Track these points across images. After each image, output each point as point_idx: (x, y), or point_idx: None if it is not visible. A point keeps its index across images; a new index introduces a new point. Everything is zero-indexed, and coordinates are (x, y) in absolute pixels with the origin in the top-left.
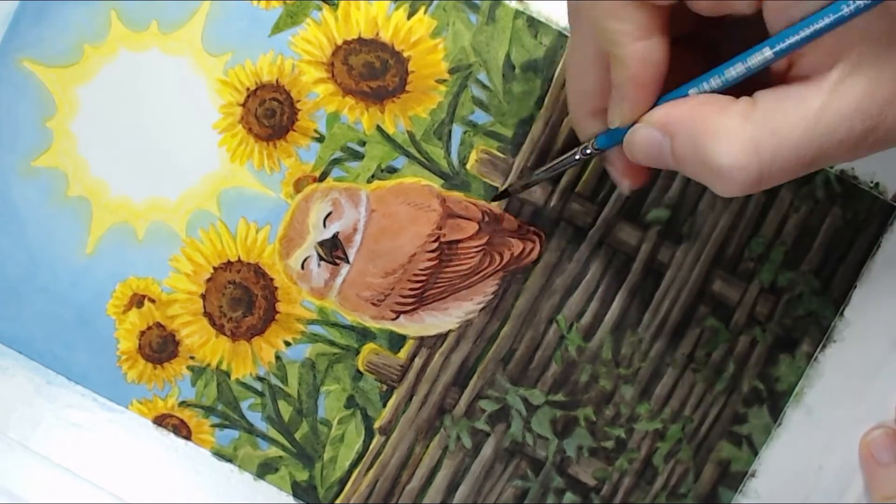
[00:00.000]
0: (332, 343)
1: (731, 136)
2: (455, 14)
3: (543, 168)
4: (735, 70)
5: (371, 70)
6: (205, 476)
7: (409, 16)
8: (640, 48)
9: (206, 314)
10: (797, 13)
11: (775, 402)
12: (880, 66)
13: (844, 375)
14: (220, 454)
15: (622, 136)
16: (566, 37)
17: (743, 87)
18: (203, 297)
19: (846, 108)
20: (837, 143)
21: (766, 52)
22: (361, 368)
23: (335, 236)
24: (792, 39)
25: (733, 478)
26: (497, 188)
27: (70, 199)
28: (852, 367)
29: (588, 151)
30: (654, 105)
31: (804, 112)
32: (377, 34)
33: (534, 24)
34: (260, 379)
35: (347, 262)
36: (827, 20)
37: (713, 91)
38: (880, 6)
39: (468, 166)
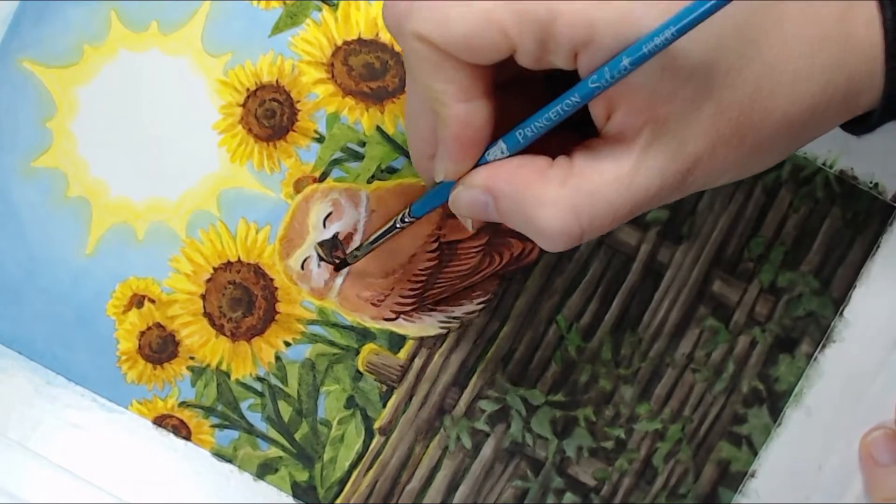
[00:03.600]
0: (331, 343)
1: (551, 205)
2: None
3: (371, 240)
4: (544, 121)
5: (371, 71)
6: (204, 476)
7: None
8: (462, 110)
9: (206, 314)
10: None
11: (775, 402)
12: (686, 126)
13: (844, 376)
14: (219, 454)
15: (446, 194)
16: None
17: (566, 127)
18: (203, 297)
19: (655, 168)
20: (650, 197)
21: (558, 109)
22: (361, 369)
23: (335, 236)
24: (574, 98)
25: (733, 478)
26: None
27: (70, 199)
28: (852, 368)
29: (406, 220)
30: (481, 158)
31: (617, 173)
32: (377, 35)
33: None
34: (260, 379)
35: (347, 262)
36: (605, 78)
37: (533, 137)
38: (684, 76)
39: None
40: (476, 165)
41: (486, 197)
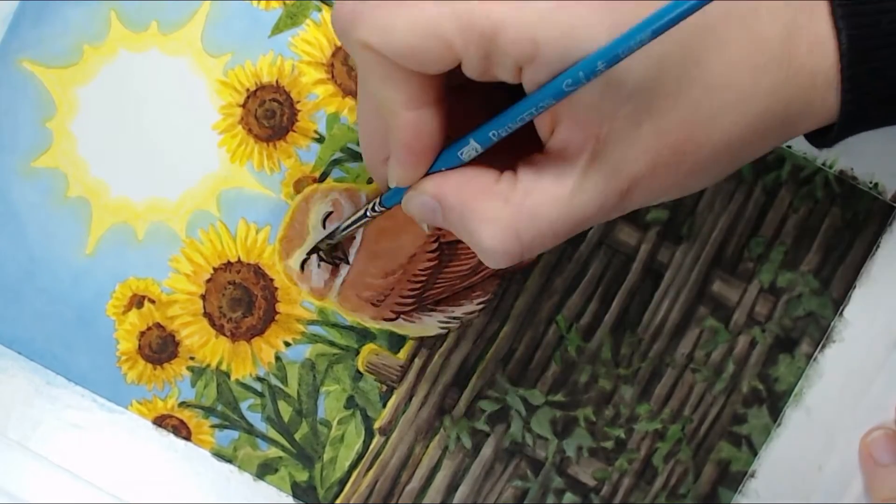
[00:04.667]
0: (331, 343)
1: (493, 223)
2: None
3: (342, 227)
4: (517, 121)
5: None
6: (204, 477)
7: None
8: (412, 118)
9: (206, 315)
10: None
11: (775, 402)
12: (626, 145)
13: (844, 376)
14: (219, 455)
15: (402, 195)
16: None
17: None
18: (203, 297)
19: (596, 188)
20: (589, 216)
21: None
22: (361, 369)
23: None
24: (510, 122)
25: (733, 478)
26: None
27: (70, 199)
28: (852, 368)
29: (376, 209)
30: (434, 164)
31: (559, 193)
32: None
33: None
34: (260, 379)
35: (347, 262)
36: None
37: (504, 135)
38: (625, 95)
39: None
40: (448, 166)
41: (435, 204)
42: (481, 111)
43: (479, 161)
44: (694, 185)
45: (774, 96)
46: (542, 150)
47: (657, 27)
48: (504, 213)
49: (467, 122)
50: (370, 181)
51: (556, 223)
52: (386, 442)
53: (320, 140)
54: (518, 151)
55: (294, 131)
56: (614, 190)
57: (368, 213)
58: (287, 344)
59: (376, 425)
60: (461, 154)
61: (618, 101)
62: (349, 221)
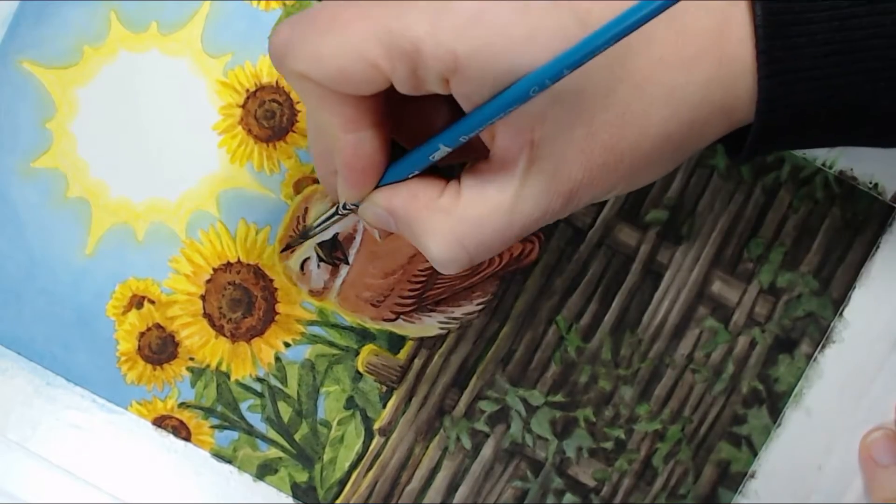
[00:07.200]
0: (331, 344)
1: (438, 235)
2: None
3: (316, 224)
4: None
5: None
6: (204, 477)
7: None
8: (351, 140)
9: (206, 315)
10: (477, 100)
11: (775, 402)
12: (560, 149)
13: (844, 376)
14: (219, 455)
15: None
16: None
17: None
18: (203, 298)
19: (536, 194)
20: (535, 220)
21: (442, 147)
22: (361, 369)
23: (335, 237)
24: (453, 141)
25: (733, 479)
26: None
27: (70, 200)
28: (852, 368)
29: (348, 207)
30: (385, 176)
31: (500, 201)
32: None
33: None
34: (259, 380)
35: (347, 263)
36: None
37: (430, 163)
38: (550, 98)
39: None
40: (398, 178)
41: (388, 216)
42: (441, 118)
43: (428, 172)
44: (642, 179)
45: (711, 87)
46: (484, 160)
47: (619, 31)
48: (447, 225)
49: (429, 130)
50: None
51: (499, 230)
52: (386, 442)
53: None
54: (468, 159)
55: (294, 132)
56: (556, 194)
57: (339, 212)
58: (287, 344)
59: (376, 426)
60: (407, 169)
61: (544, 104)
62: (321, 219)
